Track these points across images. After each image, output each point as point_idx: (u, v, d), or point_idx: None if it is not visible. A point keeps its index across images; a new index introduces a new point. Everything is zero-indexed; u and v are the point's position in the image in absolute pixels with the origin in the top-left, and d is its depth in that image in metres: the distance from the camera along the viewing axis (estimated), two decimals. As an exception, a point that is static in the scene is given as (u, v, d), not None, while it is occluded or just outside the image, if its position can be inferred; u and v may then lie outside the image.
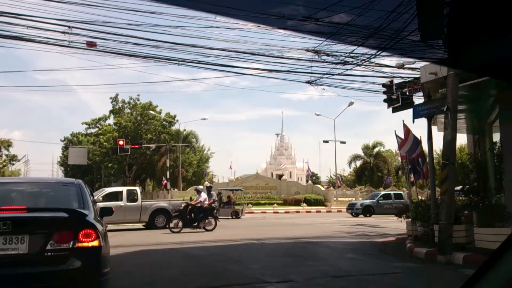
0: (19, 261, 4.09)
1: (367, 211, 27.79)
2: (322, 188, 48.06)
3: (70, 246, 4.20)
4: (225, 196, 30.20)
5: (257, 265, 8.53)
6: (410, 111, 11.51)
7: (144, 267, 8.48)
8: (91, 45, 13.03)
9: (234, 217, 26.32)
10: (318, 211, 35.65)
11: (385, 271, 8.06)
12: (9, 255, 4.05)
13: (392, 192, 30.57)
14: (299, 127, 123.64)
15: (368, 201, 29.37)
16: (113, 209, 7.07)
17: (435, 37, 1.16)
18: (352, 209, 28.53)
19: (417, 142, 11.38)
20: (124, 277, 7.04)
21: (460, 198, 11.36)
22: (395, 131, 13.13)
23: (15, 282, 4.11)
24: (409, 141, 11.43)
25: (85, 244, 4.25)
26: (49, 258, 4.15)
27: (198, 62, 14.48)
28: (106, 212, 5.72)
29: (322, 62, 14.82)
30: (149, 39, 13.70)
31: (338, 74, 15.41)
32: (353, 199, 40.93)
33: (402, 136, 12.30)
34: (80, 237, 4.24)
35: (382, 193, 30.53)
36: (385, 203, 27.74)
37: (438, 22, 1.03)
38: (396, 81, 15.34)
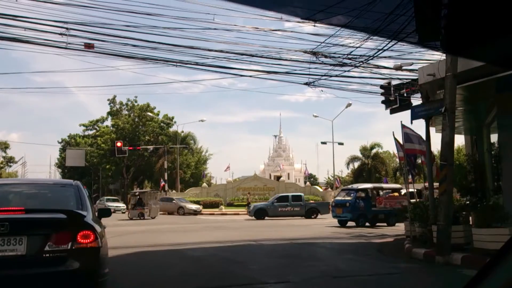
0: (18, 263, 4.07)
1: (260, 214, 26.80)
2: (320, 189, 48.08)
3: (69, 247, 4.18)
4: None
5: (255, 266, 8.53)
6: (408, 113, 11.54)
7: (142, 268, 8.46)
8: (88, 46, 13.02)
9: (141, 218, 27.01)
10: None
11: (383, 271, 8.07)
12: (7, 257, 4.03)
13: (290, 194, 29.03)
14: (297, 128, 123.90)
15: (262, 204, 28.98)
16: (112, 210, 7.06)
17: (434, 37, 1.16)
18: (249, 211, 28.15)
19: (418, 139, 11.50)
20: (122, 278, 7.02)
21: (458, 198, 11.37)
22: (393, 132, 13.16)
23: (14, 283, 4.09)
24: (412, 138, 11.52)
25: (84, 245, 4.23)
26: (47, 259, 4.13)
27: (196, 63, 14.49)
28: (104, 213, 5.71)
29: (320, 63, 14.85)
30: (147, 41, 13.72)
31: (336, 76, 15.45)
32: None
33: (400, 138, 12.32)
34: (78, 238, 4.22)
35: (279, 195, 29.47)
36: (280, 206, 27.15)
37: (437, 19, 1.03)
38: (394, 82, 15.37)
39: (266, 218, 26.27)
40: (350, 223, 20.08)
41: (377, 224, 20.06)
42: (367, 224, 19.93)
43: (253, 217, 26.50)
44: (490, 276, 1.00)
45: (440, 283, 7.32)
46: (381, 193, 22.11)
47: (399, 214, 18.47)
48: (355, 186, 23.10)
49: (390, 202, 20.53)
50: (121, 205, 40.05)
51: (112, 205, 38.19)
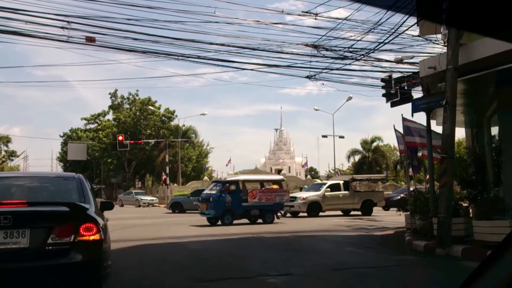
0: (21, 255, 4.10)
1: (175, 207, 27.81)
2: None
3: (71, 240, 4.21)
4: None
5: (256, 259, 8.57)
6: (409, 106, 11.54)
7: (144, 262, 8.51)
8: (90, 40, 13.02)
9: None
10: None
11: (384, 264, 8.11)
12: (10, 249, 4.06)
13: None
14: (298, 122, 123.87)
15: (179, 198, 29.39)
16: (114, 203, 7.09)
17: (433, 9, 1.12)
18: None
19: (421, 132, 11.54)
20: (124, 271, 7.07)
21: (459, 191, 11.40)
22: (394, 125, 13.19)
23: (17, 276, 4.13)
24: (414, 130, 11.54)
25: (86, 238, 4.26)
26: (50, 252, 4.16)
27: (198, 57, 14.49)
28: (106, 206, 5.74)
29: (321, 57, 14.85)
30: (149, 34, 13.72)
31: (337, 69, 15.45)
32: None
33: (401, 130, 12.33)
34: (81, 231, 4.25)
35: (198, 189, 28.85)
36: (196, 199, 26.96)
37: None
38: (395, 75, 15.36)
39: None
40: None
41: (256, 221, 17.46)
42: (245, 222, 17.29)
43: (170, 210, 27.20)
44: (492, 268, 1.01)
45: (440, 275, 7.36)
46: (264, 185, 19.27)
47: (277, 209, 17.42)
48: (227, 178, 19.93)
49: (266, 196, 17.58)
50: (154, 198, 40.75)
51: (146, 199, 38.98)
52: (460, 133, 17.73)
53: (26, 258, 4.11)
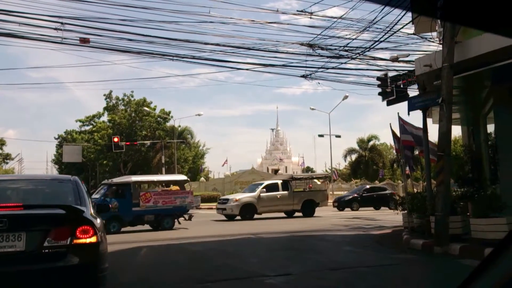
0: (17, 259, 4.06)
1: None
2: (318, 182, 48.14)
3: (68, 242, 4.17)
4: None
5: (255, 259, 8.55)
6: (405, 104, 11.55)
7: (141, 263, 8.48)
8: (84, 41, 12.94)
9: None
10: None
11: (382, 262, 8.10)
12: (6, 253, 4.02)
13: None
14: (294, 121, 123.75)
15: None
16: (110, 205, 7.04)
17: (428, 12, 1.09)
18: None
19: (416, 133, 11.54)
20: (122, 273, 7.03)
21: (456, 189, 11.42)
22: (390, 124, 13.19)
23: (13, 280, 4.08)
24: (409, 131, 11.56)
25: (83, 241, 4.22)
26: (46, 255, 4.12)
27: (193, 57, 14.43)
28: (102, 208, 5.70)
29: (316, 56, 14.83)
30: (143, 35, 13.65)
31: (333, 68, 15.44)
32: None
33: (397, 130, 12.34)
34: (77, 233, 4.21)
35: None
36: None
37: None
38: (390, 74, 15.36)
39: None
40: (349, 213, 20.00)
41: (158, 227, 15.76)
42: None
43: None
44: (490, 269, 1.00)
45: (438, 273, 7.35)
46: (164, 187, 17.76)
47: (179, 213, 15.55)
48: (115, 180, 17.68)
49: (164, 199, 15.97)
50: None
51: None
52: (456, 131, 17.80)
53: (22, 261, 4.07)
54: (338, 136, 46.95)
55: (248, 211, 20.20)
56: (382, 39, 13.07)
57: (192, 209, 16.82)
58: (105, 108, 53.30)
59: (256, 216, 20.55)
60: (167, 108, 56.52)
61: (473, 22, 0.99)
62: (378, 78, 15.48)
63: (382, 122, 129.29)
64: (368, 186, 30.45)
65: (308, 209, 21.41)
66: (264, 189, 21.04)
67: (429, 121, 12.36)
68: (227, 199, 21.10)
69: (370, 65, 16.05)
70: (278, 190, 21.22)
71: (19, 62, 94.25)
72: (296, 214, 21.71)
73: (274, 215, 20.95)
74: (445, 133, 9.12)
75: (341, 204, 27.18)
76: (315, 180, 32.96)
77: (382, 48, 14.55)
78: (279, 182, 21.96)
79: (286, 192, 21.36)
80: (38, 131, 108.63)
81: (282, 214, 21.36)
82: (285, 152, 77.43)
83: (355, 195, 27.73)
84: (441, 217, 8.84)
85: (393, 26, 12.43)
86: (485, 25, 1.01)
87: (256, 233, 13.43)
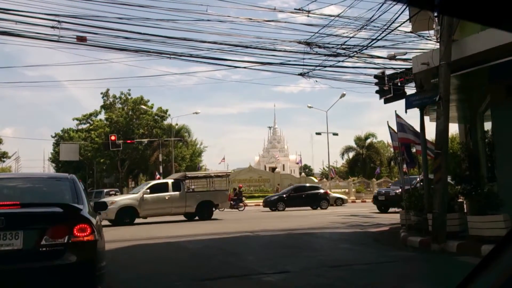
0: (14, 257, 4.05)
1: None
2: (315, 180, 48.23)
3: (65, 241, 4.16)
4: None
5: (253, 257, 8.55)
6: (402, 102, 11.55)
7: (139, 261, 8.47)
8: (81, 39, 12.92)
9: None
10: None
11: (380, 260, 8.12)
12: (3, 251, 4.01)
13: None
14: (292, 119, 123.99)
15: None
16: (107, 203, 7.03)
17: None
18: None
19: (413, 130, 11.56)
20: (120, 272, 7.03)
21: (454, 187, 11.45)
22: (387, 121, 13.19)
23: (11, 278, 4.08)
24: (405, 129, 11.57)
25: (80, 239, 4.22)
26: (44, 253, 4.12)
27: (190, 55, 14.42)
28: (100, 206, 5.70)
29: (314, 54, 14.86)
30: (140, 33, 13.66)
31: (330, 66, 15.47)
32: (347, 190, 41.15)
33: (395, 127, 12.34)
34: (75, 231, 4.20)
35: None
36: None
37: None
38: (388, 72, 15.36)
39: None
40: (347, 210, 19.98)
41: None
42: None
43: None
44: (489, 268, 0.99)
45: (436, 271, 7.38)
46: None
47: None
48: None
49: None
50: None
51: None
52: (453, 128, 17.83)
53: (19, 259, 4.06)
54: (336, 134, 47.08)
55: (126, 215, 17.49)
56: (379, 38, 13.10)
57: None
58: (102, 107, 53.15)
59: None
60: (165, 106, 56.64)
61: (471, 15, 0.98)
62: (376, 76, 15.48)
63: (379, 120, 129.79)
64: (297, 186, 30.43)
65: (204, 212, 19.18)
66: (148, 190, 18.50)
67: (427, 119, 12.36)
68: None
69: (368, 63, 16.06)
70: (167, 191, 18.80)
71: (15, 60, 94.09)
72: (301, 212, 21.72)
73: (273, 213, 20.81)
74: (442, 131, 9.13)
75: (267, 204, 27.00)
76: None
77: (379, 46, 14.65)
78: (170, 181, 19.49)
79: (177, 192, 18.90)
80: (35, 130, 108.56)
81: (281, 212, 21.23)
82: (283, 150, 77.45)
83: (283, 195, 27.38)
84: (438, 215, 8.85)
85: (391, 25, 12.46)
86: (483, 19, 1.00)
87: (253, 231, 13.44)
